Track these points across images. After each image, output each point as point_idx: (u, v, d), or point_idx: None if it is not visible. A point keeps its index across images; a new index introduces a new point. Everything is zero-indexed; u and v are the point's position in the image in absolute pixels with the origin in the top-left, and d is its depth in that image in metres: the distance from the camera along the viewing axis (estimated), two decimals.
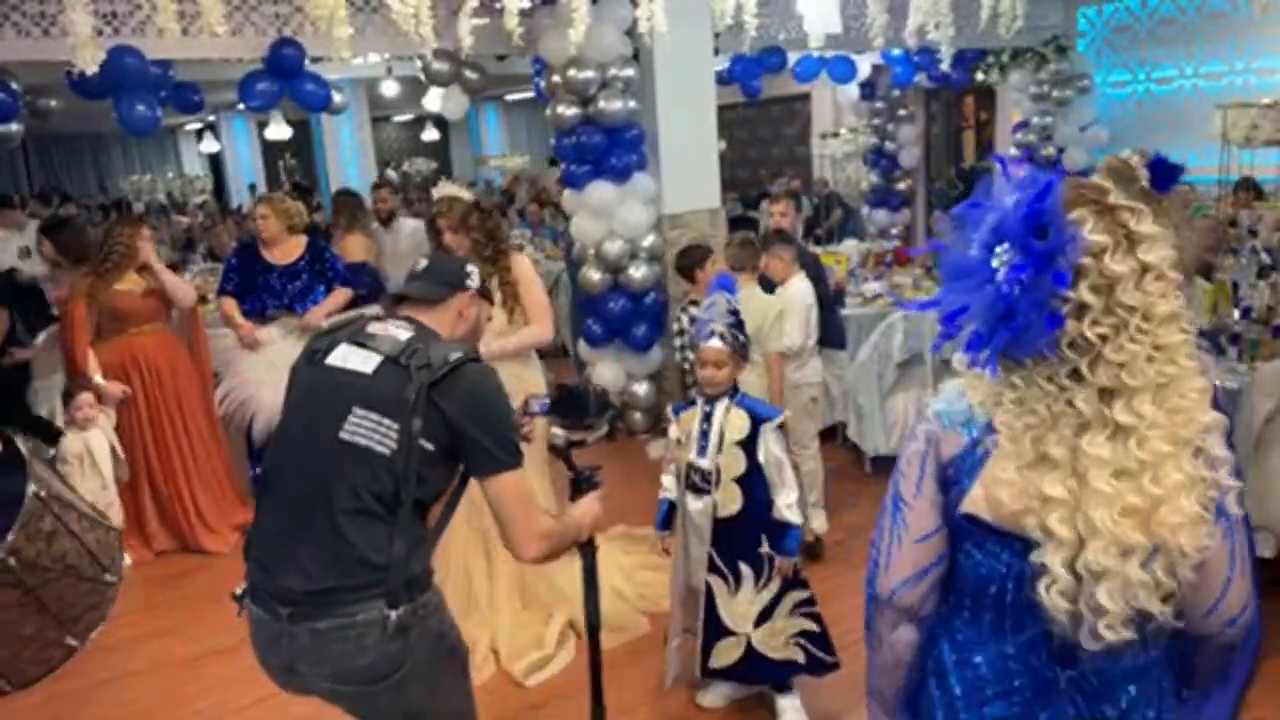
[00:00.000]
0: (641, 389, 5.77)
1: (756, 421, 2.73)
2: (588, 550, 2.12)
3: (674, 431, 2.92)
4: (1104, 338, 1.13)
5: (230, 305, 4.65)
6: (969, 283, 1.17)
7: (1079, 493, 1.16)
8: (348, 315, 2.20)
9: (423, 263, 2.07)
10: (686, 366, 4.40)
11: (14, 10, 4.66)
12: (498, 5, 4.85)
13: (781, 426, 2.77)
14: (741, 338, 2.78)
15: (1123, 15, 8.09)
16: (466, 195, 3.49)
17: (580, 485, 2.12)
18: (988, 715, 1.32)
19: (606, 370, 5.76)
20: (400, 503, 1.72)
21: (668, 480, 2.98)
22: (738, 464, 2.74)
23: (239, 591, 1.84)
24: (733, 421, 2.74)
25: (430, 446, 1.74)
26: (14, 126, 5.24)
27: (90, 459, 4.14)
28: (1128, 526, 1.15)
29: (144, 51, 4.79)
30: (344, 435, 1.74)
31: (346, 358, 1.82)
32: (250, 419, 4.49)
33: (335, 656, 1.72)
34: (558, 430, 2.20)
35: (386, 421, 1.73)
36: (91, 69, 4.12)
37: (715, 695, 3.03)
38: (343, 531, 1.71)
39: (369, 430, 1.74)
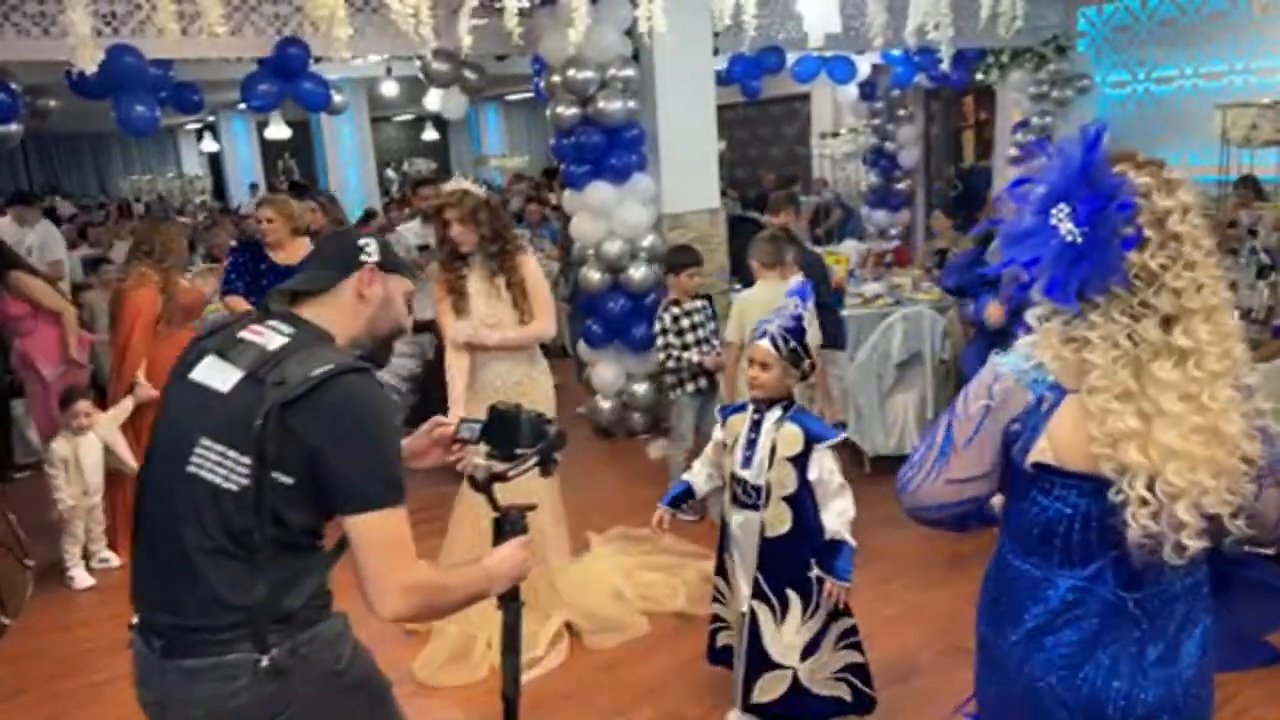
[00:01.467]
0: (641, 389, 5.77)
1: (810, 439, 2.58)
2: (511, 604, 1.79)
3: (719, 434, 2.81)
4: (1164, 267, 1.32)
5: (241, 302, 4.55)
6: (1033, 241, 1.37)
7: (1150, 422, 1.33)
8: (236, 313, 2.01)
9: (314, 247, 1.84)
10: (670, 364, 4.42)
11: (14, 10, 4.66)
12: (497, 5, 4.85)
13: (837, 448, 2.63)
14: (794, 344, 2.62)
15: (1123, 15, 8.09)
16: (480, 190, 3.50)
17: (503, 529, 1.79)
18: (1061, 641, 1.47)
19: (606, 370, 5.76)
20: (258, 543, 1.49)
21: (698, 465, 2.88)
22: (789, 481, 2.59)
23: (134, 621, 1.64)
24: (784, 436, 2.60)
25: (288, 480, 1.49)
26: (13, 126, 5.24)
27: (76, 465, 4.16)
28: (1196, 443, 1.32)
29: (143, 51, 4.80)
30: (190, 469, 1.52)
31: (209, 373, 1.57)
32: None
33: (207, 698, 1.54)
34: (479, 460, 1.87)
35: (233, 454, 1.49)
36: (91, 69, 4.12)
37: None
38: (198, 571, 1.51)
39: (215, 464, 1.50)
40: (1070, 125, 8.24)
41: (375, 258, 1.71)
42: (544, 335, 3.61)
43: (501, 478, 1.81)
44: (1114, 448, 1.33)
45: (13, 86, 4.93)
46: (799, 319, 2.66)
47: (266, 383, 1.49)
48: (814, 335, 3.88)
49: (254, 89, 5.38)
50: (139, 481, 1.67)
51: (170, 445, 1.57)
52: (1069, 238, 1.33)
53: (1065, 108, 8.16)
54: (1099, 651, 1.46)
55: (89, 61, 4.07)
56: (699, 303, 4.43)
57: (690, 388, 4.44)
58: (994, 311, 3.89)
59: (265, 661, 1.50)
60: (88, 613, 3.91)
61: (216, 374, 1.56)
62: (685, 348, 4.36)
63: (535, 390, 3.54)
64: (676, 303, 4.40)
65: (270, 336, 1.57)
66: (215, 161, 17.61)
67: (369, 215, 10.09)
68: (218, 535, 1.50)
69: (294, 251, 4.61)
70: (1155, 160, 1.38)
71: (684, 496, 2.86)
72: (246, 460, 1.48)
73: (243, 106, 10.88)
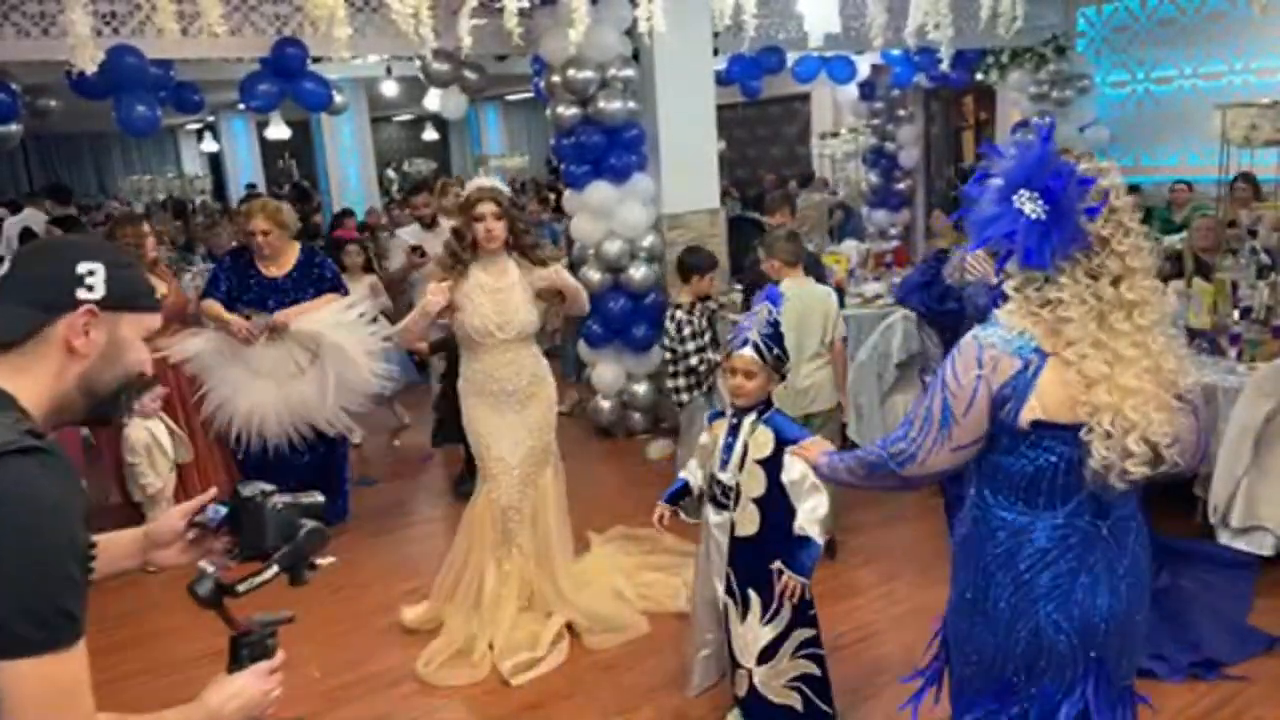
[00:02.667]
0: (641, 389, 5.77)
1: (781, 442, 2.58)
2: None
3: (705, 438, 2.83)
4: (1110, 235, 1.62)
5: (217, 306, 4.30)
6: (1000, 223, 1.63)
7: (1113, 367, 1.61)
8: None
9: (2, 266, 1.34)
10: (681, 369, 4.42)
11: (13, 10, 4.66)
12: (497, 5, 4.85)
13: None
14: (777, 350, 2.63)
15: (1122, 15, 8.09)
16: (496, 184, 3.52)
17: (240, 651, 1.38)
18: (1056, 572, 1.72)
19: (606, 371, 5.76)
20: None
21: (693, 464, 2.89)
22: (758, 484, 2.62)
23: None
24: (757, 439, 2.62)
25: None
26: (13, 126, 5.24)
27: (158, 446, 4.29)
28: (1148, 381, 1.61)
29: (143, 51, 4.79)
30: None
31: None
32: (231, 427, 4.26)
33: None
34: (206, 565, 1.43)
35: None
36: (90, 69, 4.12)
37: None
38: None
39: None
40: (1070, 125, 8.24)
41: (98, 292, 1.23)
42: (585, 306, 3.78)
43: (231, 592, 1.40)
44: (1089, 390, 1.61)
45: (13, 86, 4.93)
46: (777, 324, 2.66)
47: None
48: (841, 330, 3.96)
49: (254, 89, 5.38)
50: None
51: None
52: (1034, 215, 1.60)
53: (1065, 108, 8.16)
54: (1083, 575, 1.73)
55: (89, 61, 4.07)
56: (709, 302, 4.44)
57: (704, 388, 4.44)
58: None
59: None
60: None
61: None
62: (700, 350, 4.36)
63: (544, 391, 3.53)
64: (680, 306, 4.41)
65: None
66: (215, 161, 17.59)
67: (345, 214, 10.00)
68: None
69: (285, 261, 4.35)
70: (1087, 152, 1.71)
71: (682, 493, 2.88)
72: None
73: (243, 107, 10.90)
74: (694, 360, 4.41)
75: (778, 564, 2.58)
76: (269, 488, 1.45)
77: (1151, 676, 2.91)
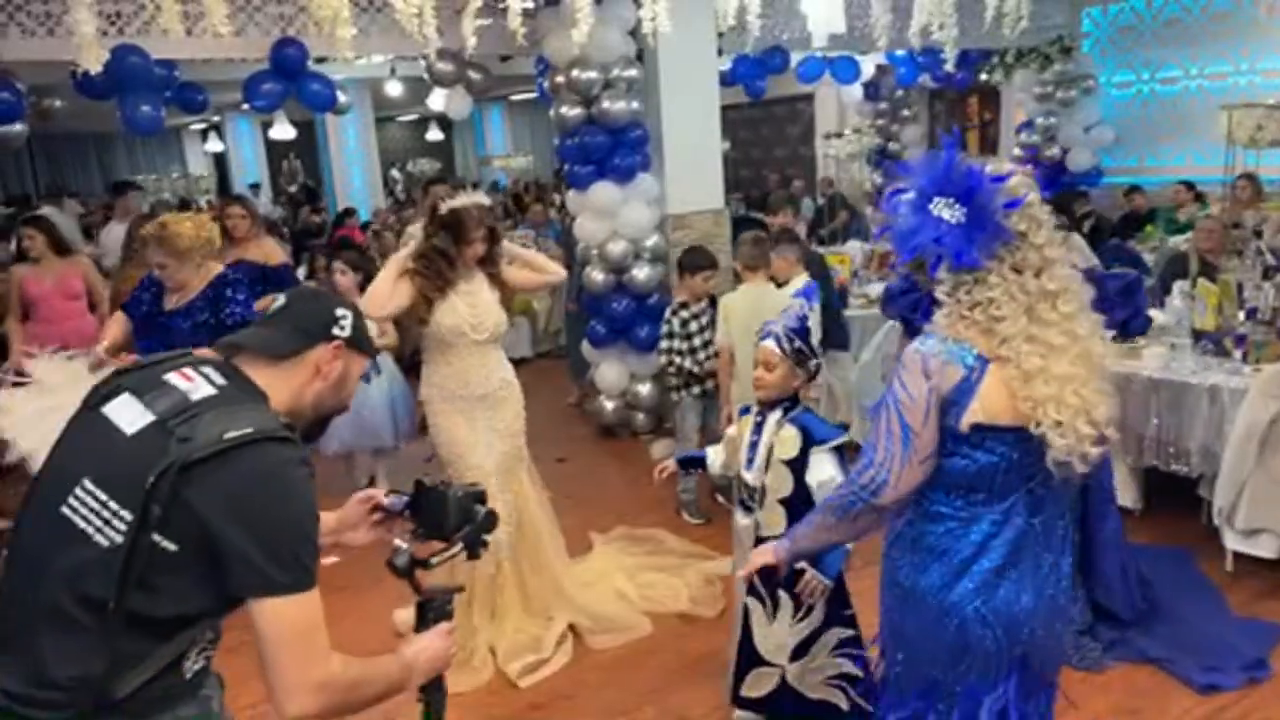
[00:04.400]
0: (644, 389, 5.77)
1: (809, 441, 2.53)
2: (435, 695, 1.65)
3: (732, 430, 2.80)
4: (1027, 229, 1.67)
5: (119, 323, 3.77)
6: (923, 233, 1.68)
7: (1047, 359, 1.65)
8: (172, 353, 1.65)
9: (280, 300, 1.62)
10: (671, 369, 4.41)
11: (18, 10, 4.67)
12: (501, 5, 4.85)
13: (840, 449, 2.56)
14: (799, 344, 2.58)
15: (1128, 16, 8.08)
16: (485, 199, 3.45)
17: (427, 615, 1.65)
18: (984, 567, 1.76)
19: (610, 371, 5.76)
20: (107, 615, 1.31)
21: (718, 448, 2.86)
22: (784, 484, 2.55)
23: None
24: (783, 438, 2.56)
25: (172, 547, 1.32)
26: (18, 126, 5.25)
27: None
28: (1080, 366, 1.67)
29: (148, 51, 4.80)
30: (64, 510, 1.35)
31: (119, 410, 1.40)
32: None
33: None
34: (401, 542, 1.69)
35: (114, 505, 1.32)
36: (95, 68, 4.12)
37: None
38: (37, 632, 1.33)
39: (92, 511, 1.33)
40: (1075, 125, 8.23)
41: (346, 333, 1.56)
42: (561, 275, 3.81)
43: (424, 565, 1.66)
44: (1028, 384, 1.65)
45: (18, 86, 4.94)
46: (804, 319, 2.64)
47: (174, 436, 1.33)
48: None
49: (257, 89, 5.39)
50: (19, 513, 1.47)
51: (53, 480, 1.40)
52: (954, 220, 1.66)
53: (1070, 108, 8.16)
54: (1010, 571, 1.77)
55: (94, 61, 4.07)
56: (705, 304, 4.42)
57: (696, 389, 4.44)
58: None
59: None
60: None
61: (126, 413, 1.39)
62: (693, 351, 4.35)
63: (513, 395, 3.47)
64: (685, 305, 4.39)
65: (199, 384, 1.41)
66: (220, 161, 17.63)
67: (347, 213, 10.04)
68: (65, 594, 1.33)
69: (189, 290, 3.64)
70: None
71: (695, 463, 2.87)
72: (126, 515, 1.31)
73: (247, 106, 10.91)
74: (663, 359, 4.41)
75: (802, 563, 2.50)
76: (447, 480, 1.76)
77: (1215, 690, 2.92)
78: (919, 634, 1.83)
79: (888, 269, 6.25)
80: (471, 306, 3.31)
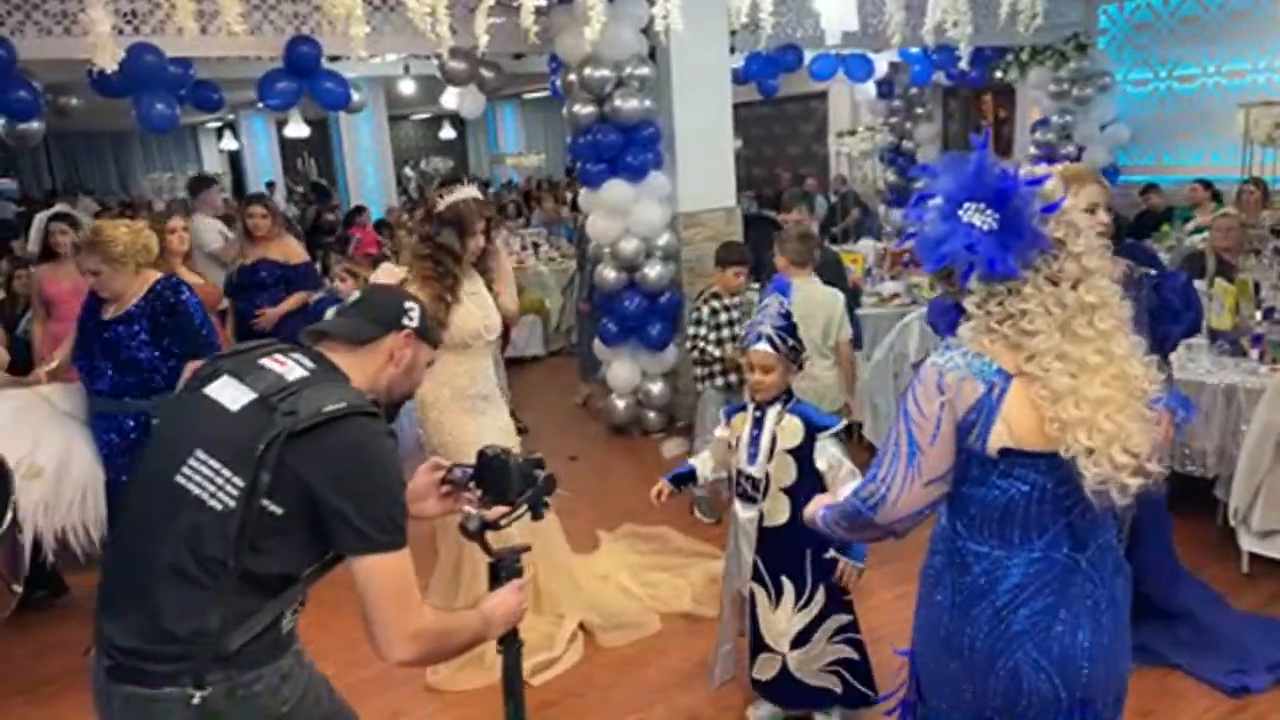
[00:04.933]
0: (656, 387, 5.77)
1: (811, 430, 2.60)
2: (510, 648, 1.83)
3: (722, 431, 2.84)
4: (1065, 236, 1.56)
5: (64, 345, 3.69)
6: (952, 240, 1.56)
7: (1078, 379, 1.53)
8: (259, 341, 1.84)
9: (355, 294, 1.83)
10: (695, 354, 4.41)
11: (35, 9, 4.71)
12: (514, 4, 4.86)
13: (839, 435, 2.62)
14: (791, 341, 2.64)
15: (1144, 13, 8.02)
16: (477, 193, 3.45)
17: (499, 573, 1.81)
18: (1033, 609, 1.62)
19: (621, 369, 5.76)
20: (225, 572, 1.46)
21: (704, 455, 2.90)
22: (788, 473, 2.63)
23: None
24: (785, 429, 2.63)
25: (278, 510, 1.47)
26: (35, 124, 5.28)
27: None
28: (1116, 388, 1.54)
29: (163, 50, 4.83)
30: (179, 479, 1.49)
31: (221, 390, 1.56)
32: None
33: None
34: (470, 509, 1.87)
35: (226, 472, 1.47)
36: (111, 67, 4.15)
37: (765, 712, 2.92)
38: (153, 590, 1.47)
39: (206, 479, 1.48)
40: (1091, 123, 8.17)
41: (415, 324, 1.75)
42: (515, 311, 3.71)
43: (494, 527, 1.82)
44: (1055, 405, 1.53)
45: (35, 85, 4.97)
46: (788, 315, 2.68)
47: (278, 410, 1.48)
48: (846, 332, 3.96)
49: (272, 87, 5.41)
50: (125, 488, 1.64)
51: (163, 453, 1.55)
52: (986, 226, 1.55)
53: (1086, 106, 8.10)
54: (1062, 611, 1.63)
55: (110, 60, 4.10)
56: (738, 299, 4.42)
57: (720, 381, 4.42)
58: None
59: (197, 699, 1.46)
60: None
61: (228, 392, 1.55)
62: (720, 343, 4.35)
63: (500, 395, 3.53)
64: (717, 296, 4.39)
65: (291, 367, 1.57)
66: (234, 159, 17.73)
67: (358, 210, 10.11)
68: (184, 554, 1.46)
69: (126, 299, 3.44)
70: (1000, 154, 1.70)
71: (687, 478, 2.88)
72: (239, 482, 1.46)
73: (261, 105, 10.95)
74: (689, 345, 4.41)
75: (832, 552, 2.59)
76: (507, 448, 1.87)
77: (1245, 693, 2.90)
78: (967, 681, 1.70)
79: (900, 267, 6.24)
80: (480, 307, 3.34)
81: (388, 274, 3.33)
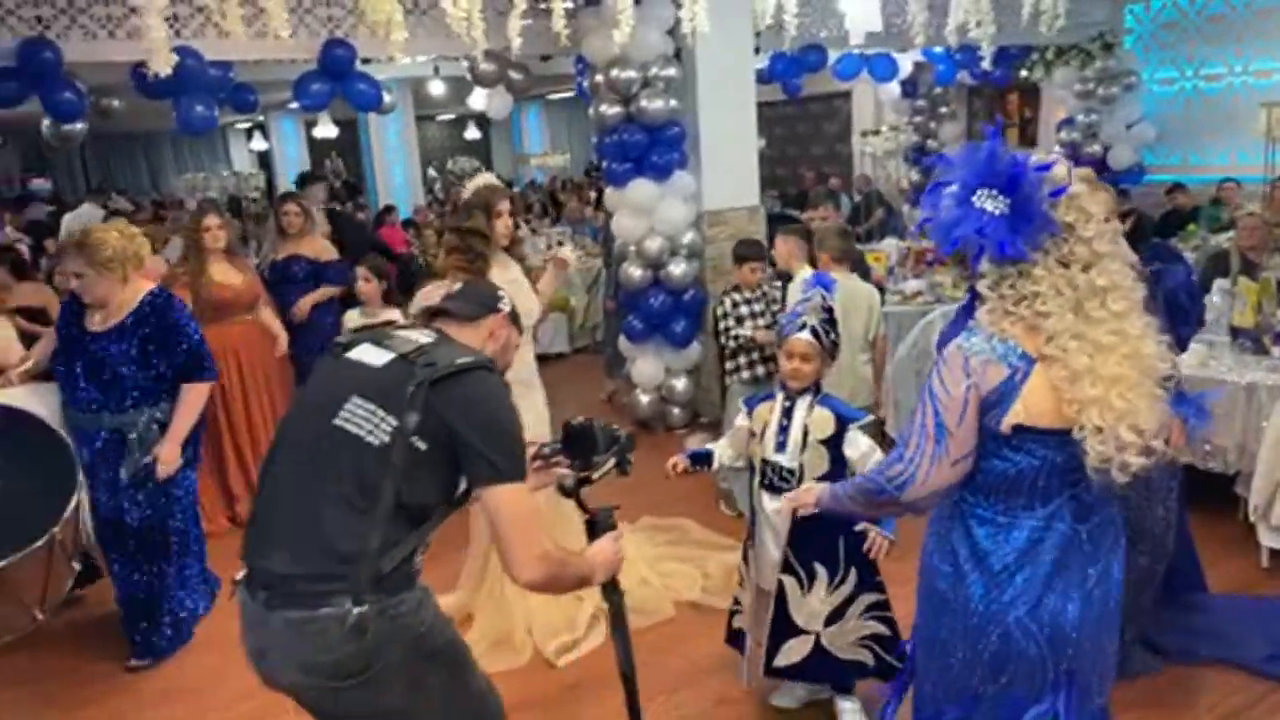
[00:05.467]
0: (680, 384, 5.85)
1: (842, 421, 2.68)
2: (614, 596, 2.05)
3: (743, 420, 2.90)
4: (1074, 221, 1.62)
5: (50, 340, 3.52)
6: (965, 225, 1.65)
7: (1094, 358, 1.59)
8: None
9: (458, 285, 2.18)
10: (721, 339, 4.50)
11: (80, 13, 4.87)
12: (544, 6, 4.95)
13: (867, 428, 2.71)
14: (833, 335, 2.72)
15: (1171, 12, 7.99)
16: (495, 179, 3.60)
17: (595, 527, 2.02)
18: (1027, 576, 1.72)
19: (646, 365, 5.84)
20: (382, 497, 1.69)
21: (723, 442, 2.96)
22: (822, 463, 2.69)
23: (239, 576, 1.81)
24: (817, 421, 2.70)
25: (423, 446, 1.71)
26: (78, 125, 5.46)
27: None
28: (1128, 368, 1.61)
29: (203, 53, 4.97)
30: (338, 421, 1.74)
31: (363, 353, 1.84)
32: None
33: (299, 649, 1.70)
34: (564, 470, 2.12)
35: (381, 413, 1.72)
36: (166, 71, 4.30)
37: (788, 697, 3.00)
38: (320, 517, 1.70)
39: (363, 419, 1.73)
40: (1116, 122, 8.15)
41: (508, 309, 2.07)
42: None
43: (588, 481, 2.07)
44: (1074, 385, 1.60)
45: (80, 87, 5.14)
46: (831, 310, 2.76)
47: (417, 364, 1.75)
48: (884, 327, 4.05)
49: (306, 88, 5.55)
50: (275, 437, 1.89)
51: (319, 403, 1.81)
52: (997, 211, 1.63)
53: (1111, 105, 8.08)
54: (1056, 580, 1.72)
55: (165, 64, 4.25)
56: (759, 291, 4.51)
57: (745, 374, 4.50)
58: None
59: (354, 617, 1.65)
60: None
61: (370, 354, 1.82)
62: (739, 320, 4.45)
63: (538, 382, 3.64)
64: (737, 289, 4.50)
65: (420, 335, 1.88)
66: (263, 160, 17.97)
67: (387, 210, 10.38)
68: (349, 484, 1.70)
69: (115, 309, 3.25)
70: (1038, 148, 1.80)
71: (704, 459, 2.94)
72: (392, 420, 1.71)
73: (292, 106, 11.10)
74: (721, 339, 4.48)
75: (863, 525, 2.61)
76: (588, 418, 2.12)
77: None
78: (959, 643, 1.79)
79: (923, 266, 6.28)
80: (522, 297, 3.41)
81: (425, 297, 3.42)
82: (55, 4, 4.80)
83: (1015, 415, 1.65)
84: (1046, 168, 1.65)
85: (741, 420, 2.92)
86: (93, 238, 3.20)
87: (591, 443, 2.07)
